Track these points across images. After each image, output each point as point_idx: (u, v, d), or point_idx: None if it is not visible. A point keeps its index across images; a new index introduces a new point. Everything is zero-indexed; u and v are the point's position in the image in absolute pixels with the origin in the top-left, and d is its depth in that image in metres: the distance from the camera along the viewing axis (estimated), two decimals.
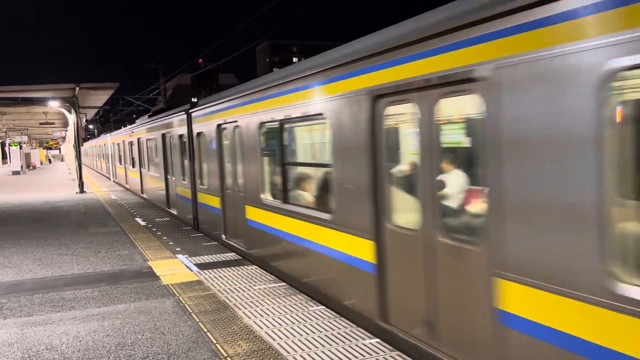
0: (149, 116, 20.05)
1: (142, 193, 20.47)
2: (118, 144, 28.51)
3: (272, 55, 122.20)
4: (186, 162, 12.93)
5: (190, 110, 12.33)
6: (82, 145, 29.65)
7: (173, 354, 5.15)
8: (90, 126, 75.84)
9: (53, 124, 35.05)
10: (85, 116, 35.36)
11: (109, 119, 76.34)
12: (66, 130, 40.75)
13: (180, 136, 13.30)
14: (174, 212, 14.77)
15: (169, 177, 15.26)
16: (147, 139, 18.44)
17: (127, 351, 5.29)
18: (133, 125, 23.26)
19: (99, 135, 61.85)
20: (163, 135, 15.44)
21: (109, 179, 34.39)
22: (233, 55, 22.74)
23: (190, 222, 13.10)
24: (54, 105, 23.99)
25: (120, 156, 27.95)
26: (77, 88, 21.58)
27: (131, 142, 22.70)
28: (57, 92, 22.80)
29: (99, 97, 26.08)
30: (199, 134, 11.84)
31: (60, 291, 7.61)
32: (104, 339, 5.64)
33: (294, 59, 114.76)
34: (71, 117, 25.36)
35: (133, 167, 22.62)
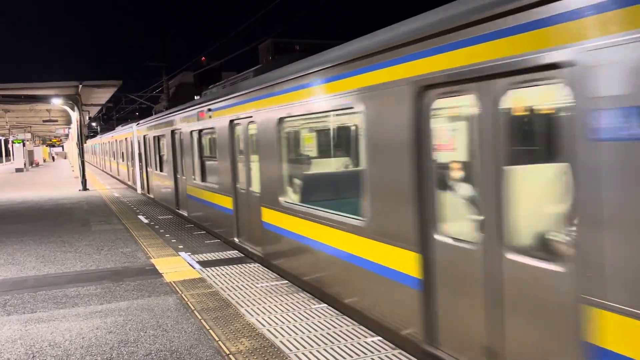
0: (257, 73, 9.80)
1: (238, 238, 9.92)
2: (157, 138, 17.18)
3: (275, 54, 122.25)
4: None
5: None
6: (85, 143, 26.68)
7: (175, 351, 5.17)
8: (93, 124, 75.99)
9: (56, 121, 35.18)
10: (88, 114, 35.44)
11: (112, 117, 76.51)
12: (69, 128, 40.86)
13: None
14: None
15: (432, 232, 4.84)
16: (281, 120, 7.69)
17: (130, 348, 5.31)
18: (208, 98, 11.66)
19: (102, 132, 60.39)
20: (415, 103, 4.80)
21: (132, 188, 24.38)
22: (236, 53, 22.54)
23: None
24: (57, 103, 24.06)
25: (160, 158, 17.01)
26: (80, 86, 21.64)
27: (203, 131, 12.13)
28: (60, 90, 22.87)
29: (102, 95, 26.15)
30: None
31: (64, 288, 7.64)
32: (107, 336, 5.66)
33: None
34: (74, 115, 25.42)
35: (202, 180, 12.39)
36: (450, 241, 4.36)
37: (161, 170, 17.21)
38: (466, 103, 4.11)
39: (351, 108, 5.68)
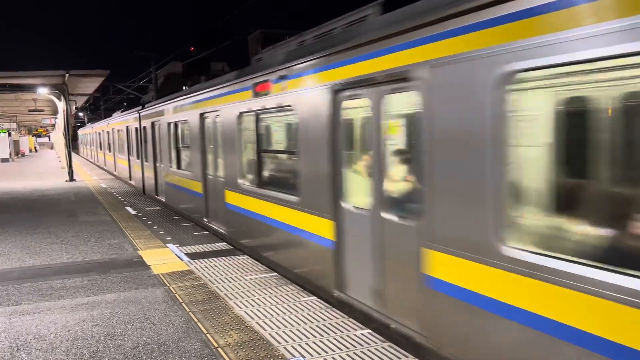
0: None
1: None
2: (99, 134, 17.90)
3: (264, 44, 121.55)
4: None
5: None
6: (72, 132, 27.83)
7: (163, 344, 5.11)
8: (81, 114, 75.06)
9: (42, 111, 34.66)
10: (75, 103, 34.95)
11: (99, 107, 75.62)
12: (56, 118, 40.30)
13: None
14: None
15: None
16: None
17: (117, 341, 5.25)
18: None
19: (90, 121, 59.66)
20: None
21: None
22: (226, 42, 22.36)
23: None
24: (43, 92, 23.68)
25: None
26: (67, 75, 21.29)
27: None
28: (46, 79, 22.49)
29: (89, 85, 25.75)
30: None
31: (49, 280, 7.54)
32: (93, 329, 5.59)
33: None
34: (61, 105, 25.06)
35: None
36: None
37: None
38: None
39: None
